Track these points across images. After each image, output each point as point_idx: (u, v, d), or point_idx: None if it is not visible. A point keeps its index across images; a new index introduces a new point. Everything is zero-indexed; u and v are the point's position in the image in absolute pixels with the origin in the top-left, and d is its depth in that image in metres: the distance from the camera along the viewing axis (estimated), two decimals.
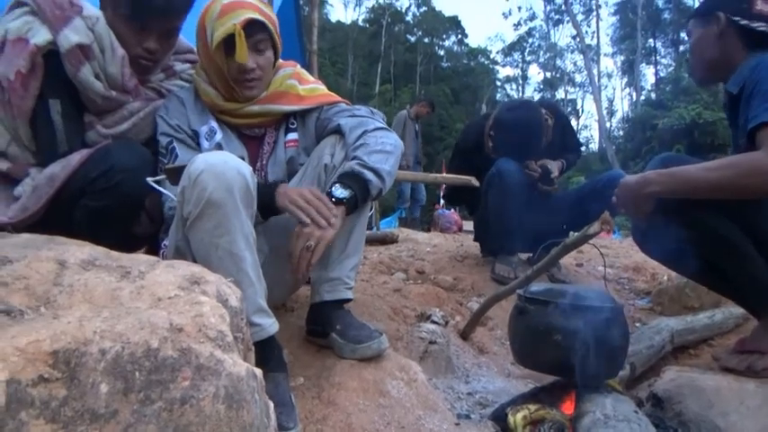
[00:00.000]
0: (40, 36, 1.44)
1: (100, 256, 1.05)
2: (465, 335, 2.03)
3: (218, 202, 1.24)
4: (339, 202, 1.41)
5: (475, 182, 2.62)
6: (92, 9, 1.55)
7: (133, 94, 1.62)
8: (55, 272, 0.97)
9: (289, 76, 1.67)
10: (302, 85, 1.68)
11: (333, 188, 1.43)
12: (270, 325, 1.35)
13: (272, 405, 1.01)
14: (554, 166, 2.59)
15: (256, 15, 1.50)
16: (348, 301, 1.60)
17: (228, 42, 1.48)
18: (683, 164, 1.51)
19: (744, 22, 1.58)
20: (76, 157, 1.45)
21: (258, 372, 0.98)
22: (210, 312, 0.94)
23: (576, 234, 1.48)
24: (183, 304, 0.94)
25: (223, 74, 1.54)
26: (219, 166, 1.25)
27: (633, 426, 1.18)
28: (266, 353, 1.34)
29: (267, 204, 1.40)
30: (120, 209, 1.45)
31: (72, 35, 1.46)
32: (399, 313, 1.97)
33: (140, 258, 1.07)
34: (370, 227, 6.39)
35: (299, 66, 1.75)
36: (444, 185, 6.32)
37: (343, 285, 1.56)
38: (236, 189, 1.26)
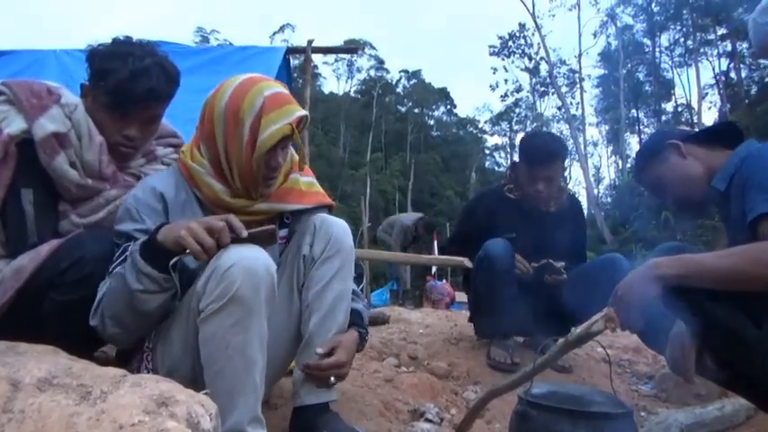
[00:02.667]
0: (15, 125, 1.41)
1: (60, 372, 0.95)
2: (461, 431, 1.90)
3: (244, 300, 1.17)
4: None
5: (468, 263, 2.55)
6: (71, 97, 1.52)
7: (111, 182, 1.56)
8: (6, 395, 0.88)
9: (290, 168, 1.56)
10: (302, 177, 1.60)
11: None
12: None
13: None
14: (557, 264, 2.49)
15: (303, 111, 1.41)
16: (332, 401, 1.48)
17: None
18: (688, 252, 1.47)
19: (697, 129, 1.67)
20: (46, 248, 1.38)
21: None
22: None
23: (577, 331, 1.39)
24: None
25: (250, 170, 1.39)
26: (251, 261, 1.19)
27: None
28: None
29: (153, 250, 1.23)
30: (91, 301, 1.36)
31: (48, 124, 1.43)
32: (391, 408, 1.84)
33: (105, 375, 0.97)
34: None
35: (291, 149, 1.69)
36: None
37: (324, 386, 1.45)
38: (262, 288, 1.20)
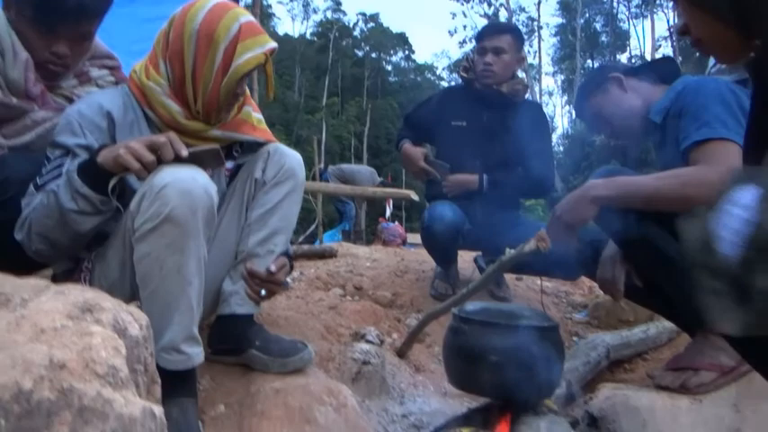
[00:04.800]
0: None
1: None
2: (401, 353, 1.97)
3: (179, 221, 1.15)
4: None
5: (414, 195, 2.58)
6: None
7: (39, 102, 1.48)
8: None
9: (243, 100, 1.53)
10: (254, 112, 1.58)
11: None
12: (197, 354, 1.26)
13: None
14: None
15: (275, 43, 1.40)
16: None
17: None
18: (625, 175, 1.53)
19: (638, 64, 1.71)
20: None
21: (158, 410, 0.87)
22: (102, 344, 0.83)
23: (511, 251, 1.44)
24: (71, 336, 0.83)
25: (217, 96, 1.36)
26: (187, 182, 1.16)
27: None
28: (181, 381, 1.24)
29: (92, 171, 1.20)
30: (15, 224, 1.31)
31: None
32: (333, 332, 1.89)
33: (26, 284, 0.95)
34: (312, 241, 6.29)
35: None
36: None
37: (254, 298, 1.47)
38: (200, 210, 1.17)
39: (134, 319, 0.97)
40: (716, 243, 0.59)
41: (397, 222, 7.39)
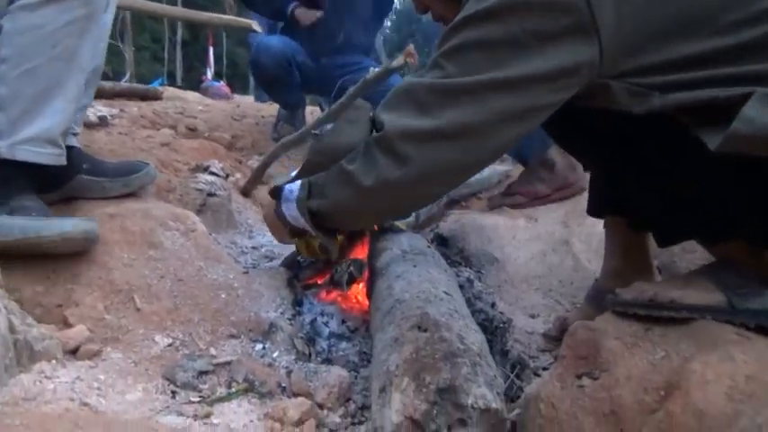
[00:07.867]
0: None
1: None
2: (246, 192, 1.85)
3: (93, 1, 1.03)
4: None
5: (256, 26, 2.32)
6: None
7: None
8: None
9: None
10: None
11: None
12: (63, 154, 1.11)
13: None
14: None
15: None
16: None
17: None
18: None
19: None
20: None
21: None
22: None
23: (376, 69, 1.35)
24: None
25: None
26: None
27: (428, 258, 1.17)
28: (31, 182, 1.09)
29: None
30: None
31: None
32: (169, 166, 1.69)
33: None
34: None
35: None
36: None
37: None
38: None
39: None
40: None
41: (222, 81, 6.83)
